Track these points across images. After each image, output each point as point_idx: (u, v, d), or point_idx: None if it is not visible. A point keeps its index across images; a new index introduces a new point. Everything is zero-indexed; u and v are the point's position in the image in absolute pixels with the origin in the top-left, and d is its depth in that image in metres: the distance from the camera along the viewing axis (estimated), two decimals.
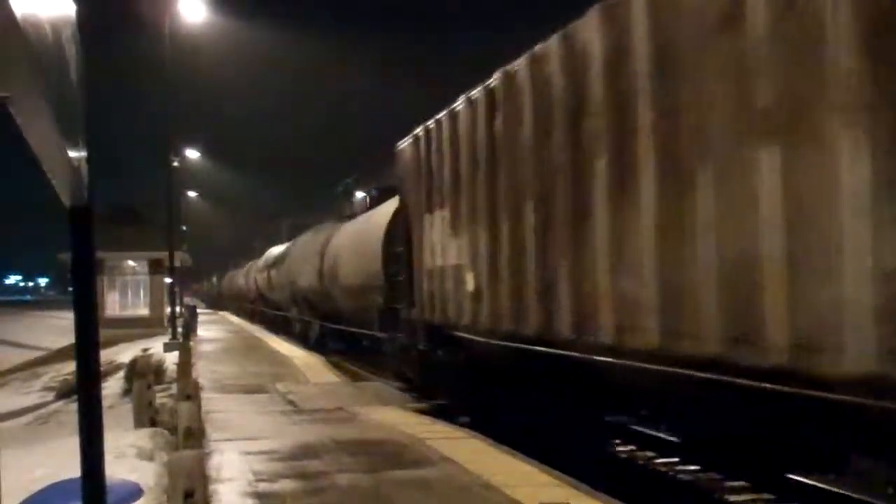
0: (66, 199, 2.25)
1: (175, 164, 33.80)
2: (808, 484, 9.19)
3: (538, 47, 9.10)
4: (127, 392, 17.62)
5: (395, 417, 12.21)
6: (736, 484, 9.81)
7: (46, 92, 1.38)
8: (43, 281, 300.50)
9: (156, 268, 43.88)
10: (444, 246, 12.40)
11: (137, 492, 3.45)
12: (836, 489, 8.98)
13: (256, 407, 13.57)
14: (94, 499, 2.44)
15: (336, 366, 21.30)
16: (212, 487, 7.69)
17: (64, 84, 1.72)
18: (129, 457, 9.28)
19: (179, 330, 30.29)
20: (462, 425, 11.60)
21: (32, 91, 1.33)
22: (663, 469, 10.92)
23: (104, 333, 34.73)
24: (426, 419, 12.31)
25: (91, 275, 2.42)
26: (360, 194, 34.40)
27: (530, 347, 9.37)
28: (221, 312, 70.80)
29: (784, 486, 9.33)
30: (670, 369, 6.67)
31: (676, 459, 11.21)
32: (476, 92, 10.89)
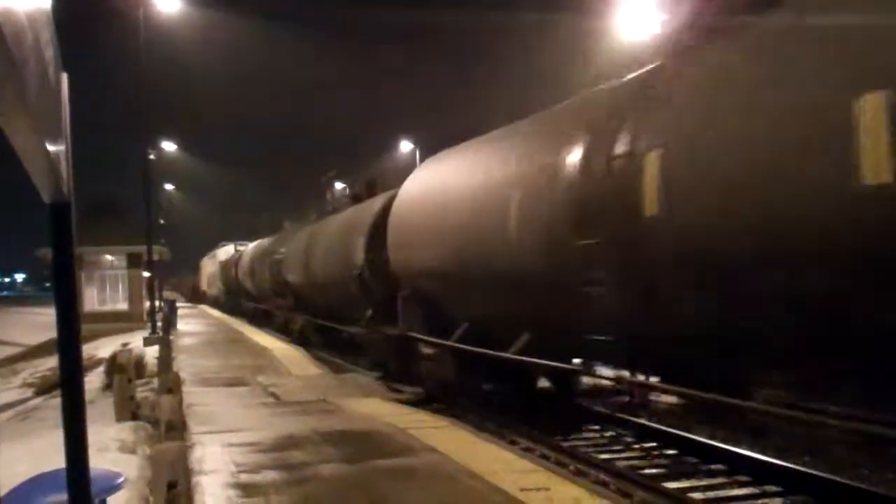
0: (46, 196, 2.28)
1: (151, 156, 33.61)
2: (812, 474, 9.28)
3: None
4: (107, 387, 17.55)
5: (378, 408, 12.27)
6: (739, 478, 9.87)
7: (27, 95, 1.42)
8: (20, 277, 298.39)
9: (134, 262, 43.71)
10: None
11: (120, 481, 3.48)
12: (839, 479, 9.09)
13: (238, 400, 13.58)
14: (79, 488, 2.48)
15: (317, 357, 21.32)
16: (194, 480, 7.72)
17: (43, 85, 1.76)
18: (112, 450, 9.29)
19: (159, 324, 30.20)
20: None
21: (15, 96, 1.36)
22: (666, 462, 10.98)
23: (83, 328, 34.78)
24: (409, 409, 12.39)
25: (71, 270, 2.45)
26: (339, 185, 34.36)
27: None
28: (201, 306, 70.35)
29: (788, 477, 9.40)
30: None
31: (675, 451, 11.28)
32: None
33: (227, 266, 56.61)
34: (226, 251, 63.94)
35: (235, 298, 52.15)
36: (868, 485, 8.99)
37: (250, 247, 45.31)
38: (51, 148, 1.96)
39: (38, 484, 3.35)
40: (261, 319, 39.83)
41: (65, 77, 2.46)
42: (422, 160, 28.31)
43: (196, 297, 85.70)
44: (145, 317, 37.63)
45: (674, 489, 9.25)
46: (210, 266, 72.85)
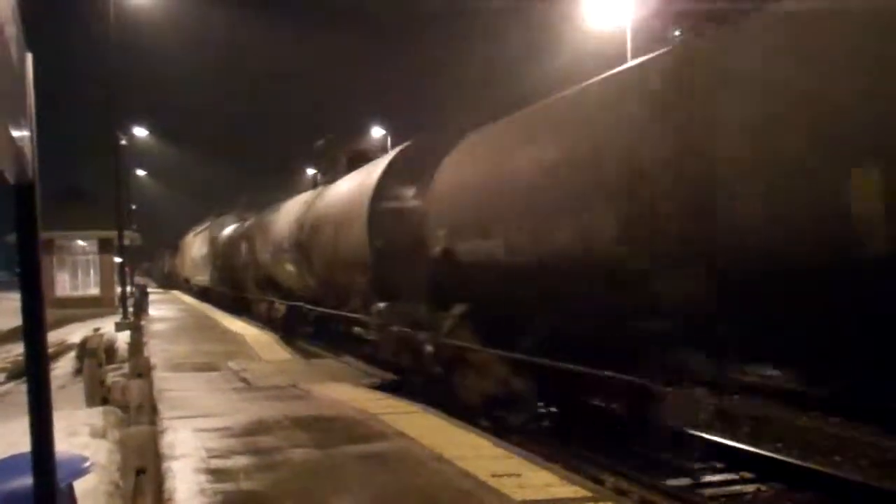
0: (10, 178, 2.26)
1: (123, 142, 33.37)
2: (785, 461, 9.31)
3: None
4: (79, 372, 17.45)
5: (349, 393, 12.26)
6: (714, 464, 9.90)
7: None
8: None
9: (105, 247, 43.48)
10: None
11: (87, 465, 3.47)
12: (811, 465, 9.14)
13: (209, 385, 13.54)
14: (44, 472, 2.47)
15: (289, 343, 21.27)
16: (165, 465, 7.70)
17: (4, 64, 1.74)
18: (82, 434, 9.23)
19: (130, 309, 30.05)
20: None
21: None
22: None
23: (55, 314, 34.20)
24: (380, 395, 12.38)
25: (36, 251, 2.44)
26: (310, 171, 33.98)
27: None
28: (173, 291, 69.69)
29: (761, 464, 9.40)
30: None
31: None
32: None
33: (232, 244, 35.71)
34: (224, 223, 44.36)
35: (242, 292, 34.11)
36: (840, 471, 9.09)
37: (292, 205, 24.58)
38: (14, 128, 1.95)
39: (4, 468, 3.33)
40: (299, 337, 23.03)
41: (29, 57, 2.44)
42: (393, 146, 25.78)
43: (172, 283, 77.53)
44: (117, 302, 37.36)
45: (647, 477, 9.31)
46: (197, 245, 52.40)
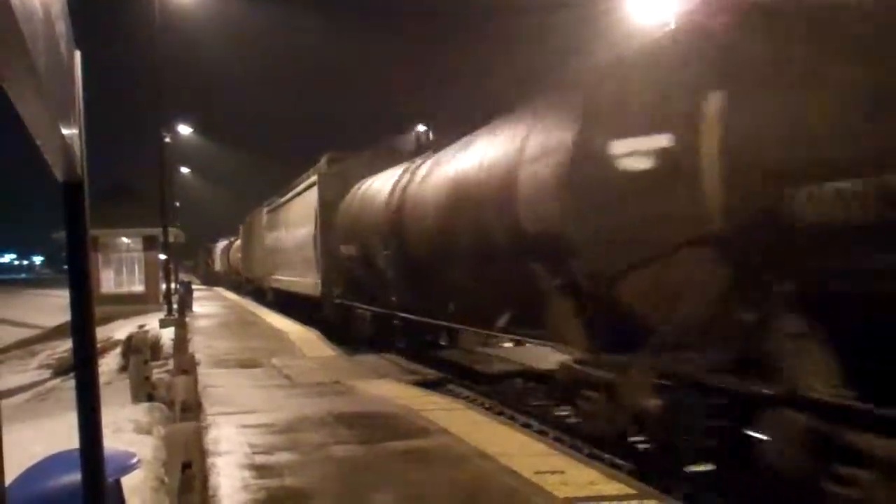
0: (59, 175, 2.27)
1: (167, 139, 33.59)
2: None
3: None
4: (124, 368, 17.63)
5: (392, 390, 12.28)
6: None
7: (37, 69, 1.41)
8: (38, 259, 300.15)
9: (150, 244, 43.91)
10: None
11: (135, 461, 3.49)
12: None
13: (253, 381, 13.62)
14: (93, 468, 2.48)
15: (332, 340, 21.36)
16: (209, 460, 7.75)
17: (54, 61, 1.75)
18: (127, 431, 9.33)
19: (175, 306, 30.30)
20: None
21: (24, 70, 1.35)
22: None
23: (100, 310, 34.69)
24: (422, 391, 12.39)
25: (85, 249, 2.45)
26: None
27: None
28: (216, 288, 70.13)
29: None
30: None
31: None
32: None
33: (412, 209, 15.66)
34: (346, 175, 24.12)
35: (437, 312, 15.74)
36: None
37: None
38: (64, 125, 1.95)
39: (54, 464, 3.36)
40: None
41: (77, 54, 2.45)
42: (435, 139, 24.35)
43: (223, 282, 70.28)
44: (161, 299, 37.72)
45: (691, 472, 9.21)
46: (282, 223, 34.29)
